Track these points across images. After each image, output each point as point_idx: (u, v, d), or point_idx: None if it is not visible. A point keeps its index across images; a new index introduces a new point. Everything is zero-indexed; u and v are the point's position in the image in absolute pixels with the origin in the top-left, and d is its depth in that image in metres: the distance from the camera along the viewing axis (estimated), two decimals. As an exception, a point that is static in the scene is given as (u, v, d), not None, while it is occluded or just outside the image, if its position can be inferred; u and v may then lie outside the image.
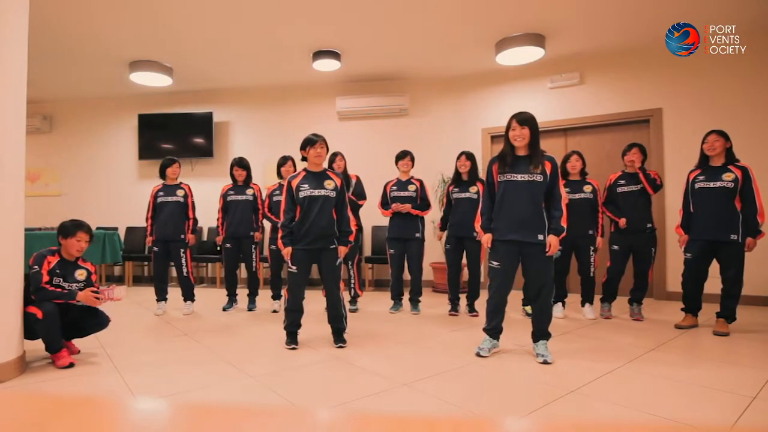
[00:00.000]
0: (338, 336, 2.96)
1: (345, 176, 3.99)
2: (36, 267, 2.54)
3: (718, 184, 3.21)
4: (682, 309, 3.52)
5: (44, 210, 6.33)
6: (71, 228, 2.69)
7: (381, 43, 4.89)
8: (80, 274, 2.71)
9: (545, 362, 2.56)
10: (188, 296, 4.13)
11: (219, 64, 5.50)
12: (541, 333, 2.69)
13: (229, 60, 5.36)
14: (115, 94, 6.54)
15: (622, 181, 3.77)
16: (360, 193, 4.21)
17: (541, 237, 2.60)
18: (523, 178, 2.60)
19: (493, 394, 2.15)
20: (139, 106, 6.54)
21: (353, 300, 4.22)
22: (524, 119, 2.60)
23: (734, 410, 1.91)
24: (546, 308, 2.69)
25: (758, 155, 4.39)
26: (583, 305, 3.91)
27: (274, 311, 4.14)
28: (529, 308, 3.95)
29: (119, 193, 6.69)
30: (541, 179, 2.59)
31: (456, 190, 3.96)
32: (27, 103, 2.57)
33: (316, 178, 2.92)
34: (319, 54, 5.07)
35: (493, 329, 2.77)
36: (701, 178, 3.30)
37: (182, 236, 4.07)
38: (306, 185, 2.89)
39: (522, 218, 2.60)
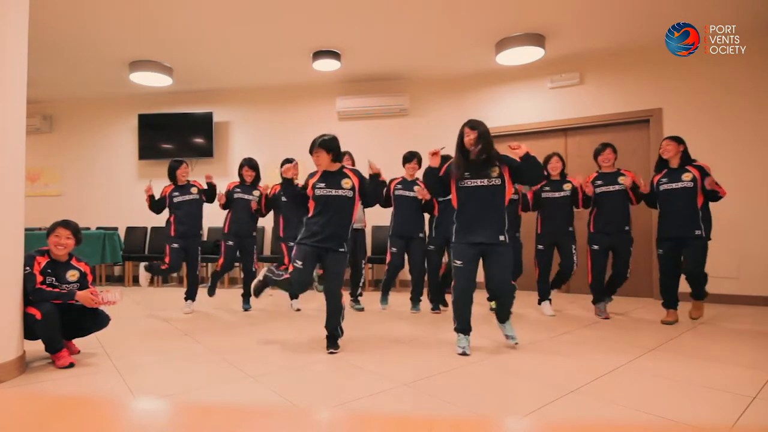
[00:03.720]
0: (332, 341, 2.85)
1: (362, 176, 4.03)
2: (27, 268, 2.51)
3: (680, 184, 3.43)
4: (663, 305, 3.63)
5: (44, 210, 6.32)
6: (50, 226, 2.68)
7: (381, 43, 4.89)
8: (72, 275, 2.68)
9: (516, 344, 2.79)
10: (191, 295, 4.16)
11: (219, 64, 5.50)
12: (503, 316, 2.84)
13: (229, 60, 5.36)
14: (115, 94, 6.54)
15: (599, 182, 3.82)
16: None
17: (502, 237, 2.72)
18: (482, 183, 2.72)
19: (493, 394, 2.15)
20: (139, 106, 6.53)
21: (356, 300, 4.26)
22: (471, 124, 2.78)
23: (734, 410, 1.91)
24: (508, 301, 2.86)
25: (758, 154, 4.40)
26: (552, 287, 4.02)
27: (298, 309, 4.18)
28: (494, 304, 4.04)
29: (119, 193, 6.68)
30: (500, 182, 2.72)
31: None
32: (27, 103, 2.57)
33: (333, 176, 2.87)
34: (319, 54, 5.06)
35: (466, 325, 2.81)
36: (664, 180, 3.52)
37: (201, 232, 4.16)
38: (322, 184, 2.86)
39: (483, 222, 2.72)
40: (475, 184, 2.73)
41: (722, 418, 1.86)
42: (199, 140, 6.37)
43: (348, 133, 5.96)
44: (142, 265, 4.09)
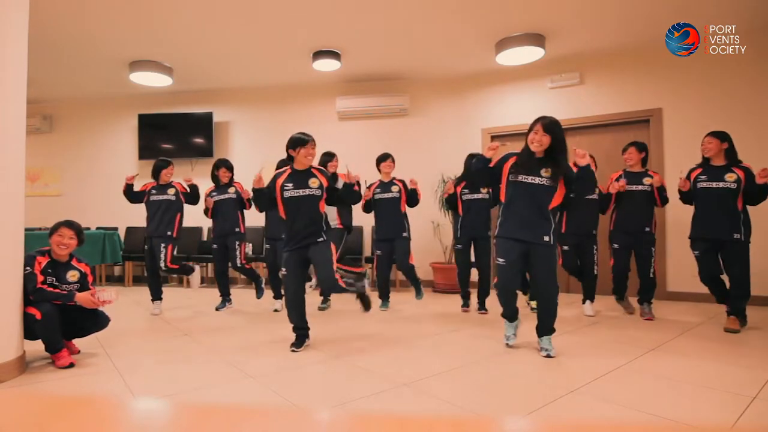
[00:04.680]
0: (364, 302, 3.07)
1: (333, 177, 3.97)
2: (28, 268, 2.51)
3: (721, 184, 3.25)
4: (723, 305, 3.43)
5: (44, 210, 6.32)
6: (54, 226, 2.68)
7: (381, 43, 4.88)
8: (72, 276, 2.67)
9: (548, 356, 2.64)
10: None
11: (219, 64, 5.50)
12: (545, 329, 2.75)
13: (229, 60, 5.36)
14: (115, 94, 6.54)
15: (623, 180, 3.77)
16: None
17: (546, 238, 2.64)
18: (533, 181, 2.63)
19: (493, 394, 2.15)
20: (139, 106, 6.53)
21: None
22: (548, 127, 2.57)
23: (734, 410, 1.91)
24: (551, 306, 2.75)
25: (758, 154, 4.39)
26: (584, 302, 3.95)
27: (276, 310, 4.14)
28: (534, 303, 4.01)
29: (119, 193, 6.61)
30: (550, 183, 2.61)
31: (466, 191, 4.02)
32: (27, 103, 2.57)
33: (301, 176, 2.88)
34: (319, 54, 5.06)
35: (512, 313, 2.85)
36: (703, 177, 3.34)
37: (168, 233, 4.11)
38: (290, 185, 2.85)
39: (528, 220, 2.65)
40: (526, 180, 2.62)
41: (722, 418, 1.86)
42: (199, 140, 6.38)
43: (348, 133, 5.98)
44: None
